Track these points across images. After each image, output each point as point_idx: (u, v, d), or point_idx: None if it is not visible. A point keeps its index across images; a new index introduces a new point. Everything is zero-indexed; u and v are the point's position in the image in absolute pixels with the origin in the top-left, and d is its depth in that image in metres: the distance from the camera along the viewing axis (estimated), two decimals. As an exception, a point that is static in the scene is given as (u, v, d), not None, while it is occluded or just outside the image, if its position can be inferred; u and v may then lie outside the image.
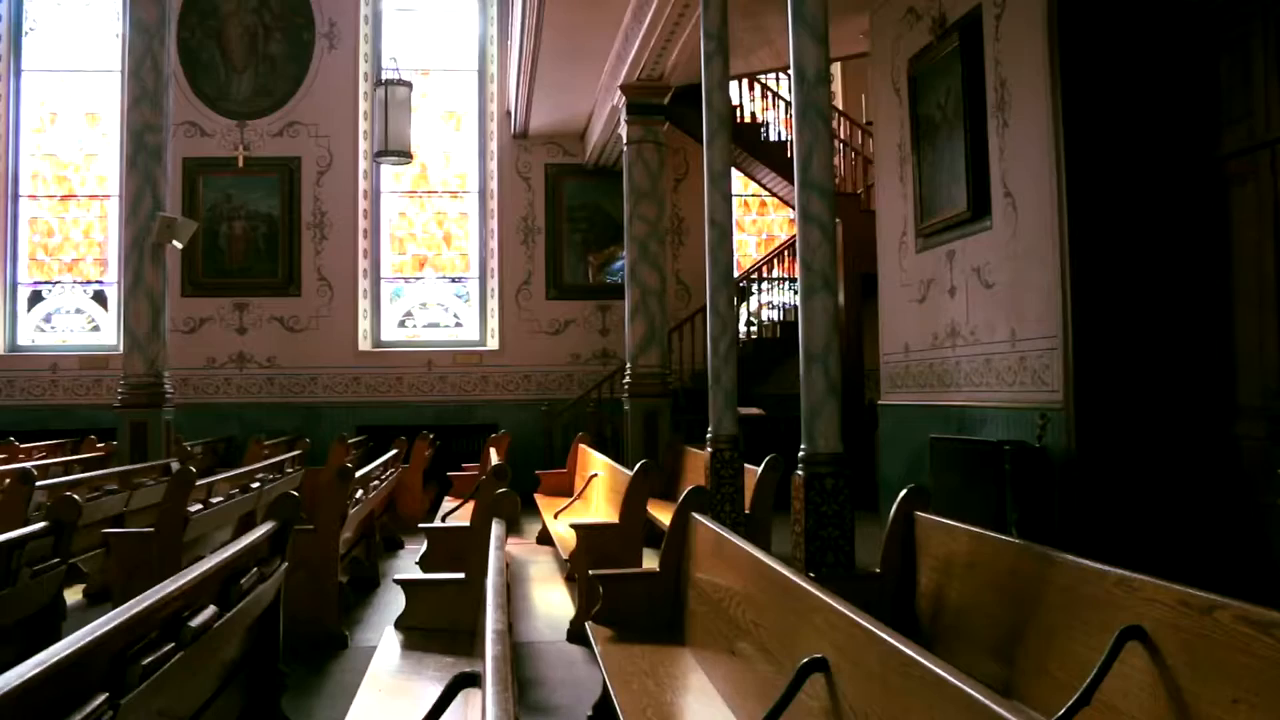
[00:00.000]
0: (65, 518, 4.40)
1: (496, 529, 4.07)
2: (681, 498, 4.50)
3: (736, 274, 14.32)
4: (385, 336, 14.34)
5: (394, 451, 9.77)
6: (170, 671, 2.62)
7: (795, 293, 13.39)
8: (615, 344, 13.70)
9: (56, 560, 4.29)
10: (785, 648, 2.93)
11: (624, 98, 10.46)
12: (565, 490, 9.61)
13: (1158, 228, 6.05)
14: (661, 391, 10.53)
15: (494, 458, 8.81)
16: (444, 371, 13.92)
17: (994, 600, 3.58)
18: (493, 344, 14.14)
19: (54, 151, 14.48)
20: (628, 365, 10.73)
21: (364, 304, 14.13)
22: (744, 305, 13.56)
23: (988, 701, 1.83)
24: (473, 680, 2.45)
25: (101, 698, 2.17)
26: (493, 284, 14.30)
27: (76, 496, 4.62)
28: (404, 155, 9.84)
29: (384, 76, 9.67)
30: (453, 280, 14.58)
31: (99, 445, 11.08)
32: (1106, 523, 5.67)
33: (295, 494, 4.35)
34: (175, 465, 9.09)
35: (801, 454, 4.70)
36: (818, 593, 2.76)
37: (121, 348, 13.57)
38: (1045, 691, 3.13)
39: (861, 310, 11.62)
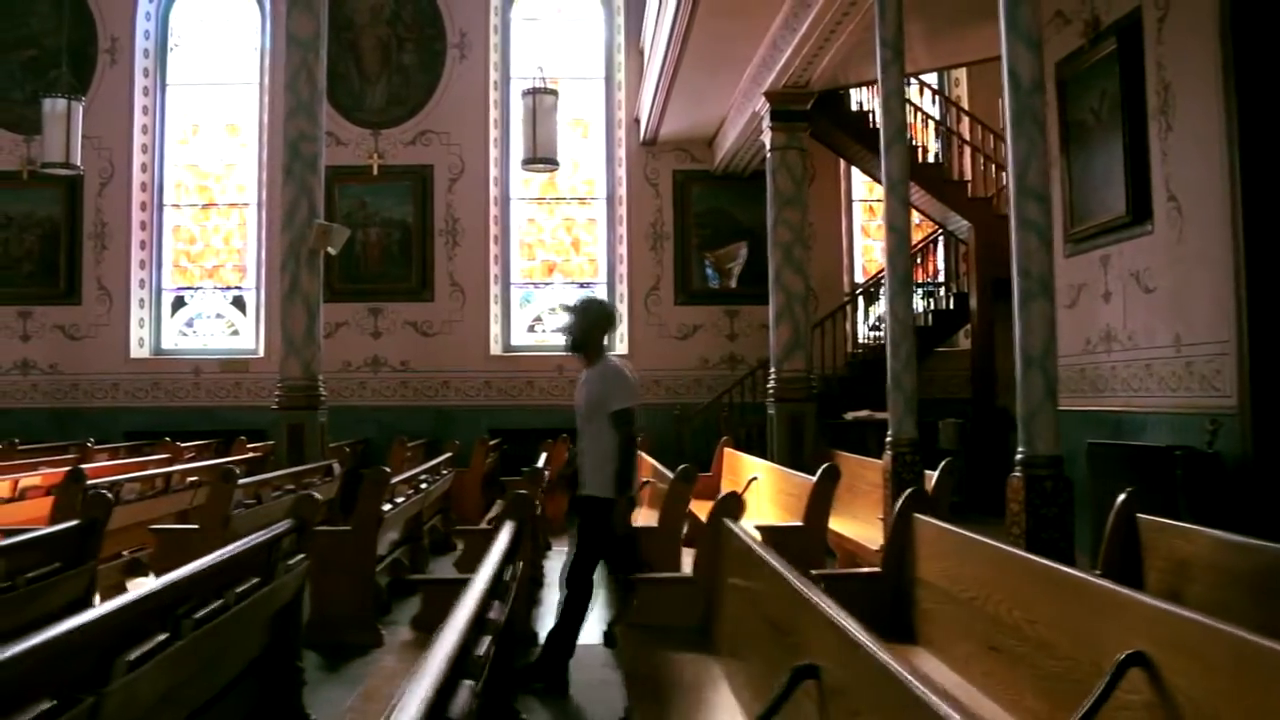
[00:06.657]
0: (307, 515, 4.60)
1: (733, 528, 4.17)
2: (902, 498, 4.58)
3: (863, 279, 14.40)
4: (515, 341, 14.60)
5: (545, 455, 9.92)
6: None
7: (923, 296, 13.36)
8: (742, 349, 13.83)
9: (302, 555, 4.47)
10: (1079, 644, 2.99)
11: (768, 104, 10.50)
12: (710, 494, 9.65)
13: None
14: (806, 396, 10.57)
15: (649, 460, 8.93)
16: (574, 376, 13.98)
17: (1250, 603, 3.58)
18: (622, 349, 14.22)
19: (196, 162, 15.03)
20: (772, 369, 10.79)
21: (495, 309, 14.39)
22: (872, 309, 13.56)
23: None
24: (812, 673, 2.58)
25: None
26: (621, 289, 14.47)
27: (318, 495, 4.84)
28: (551, 162, 9.99)
29: (529, 85, 9.84)
30: (581, 286, 14.78)
31: (249, 446, 11.41)
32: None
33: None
34: (336, 466, 9.37)
35: (1020, 456, 4.75)
36: (1123, 590, 2.83)
37: (261, 351, 14.09)
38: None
39: (994, 315, 11.52)
